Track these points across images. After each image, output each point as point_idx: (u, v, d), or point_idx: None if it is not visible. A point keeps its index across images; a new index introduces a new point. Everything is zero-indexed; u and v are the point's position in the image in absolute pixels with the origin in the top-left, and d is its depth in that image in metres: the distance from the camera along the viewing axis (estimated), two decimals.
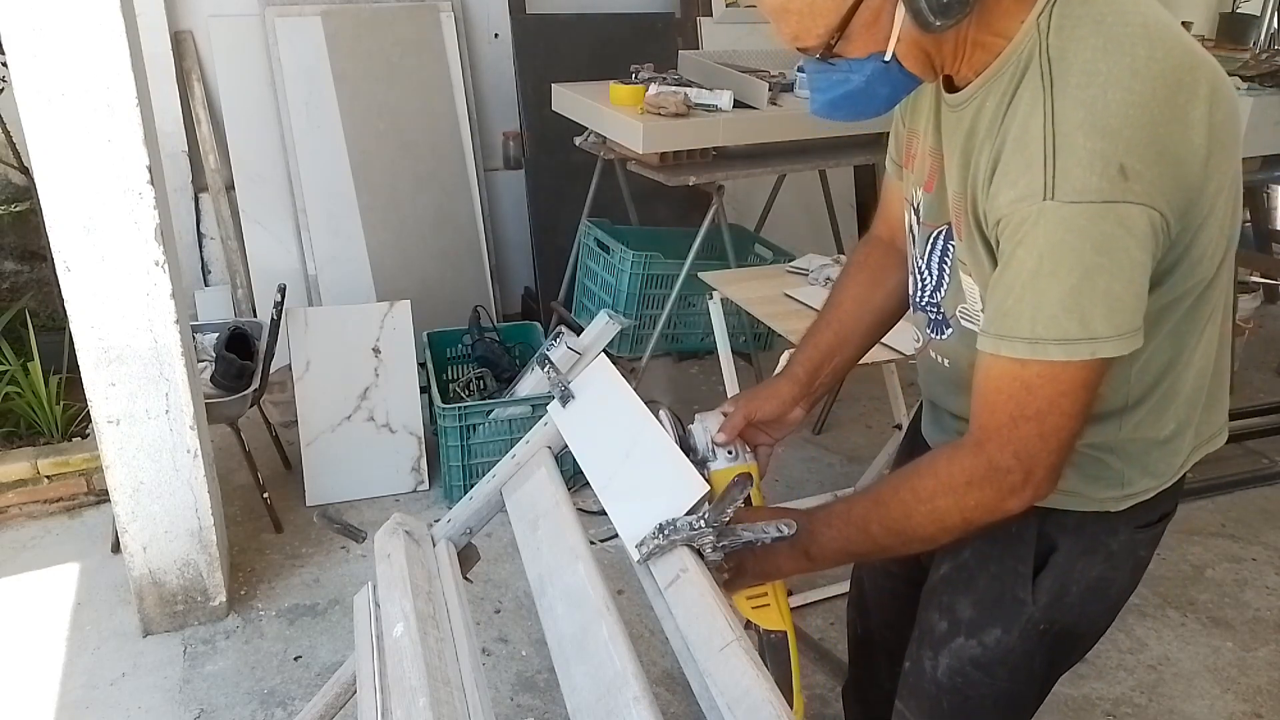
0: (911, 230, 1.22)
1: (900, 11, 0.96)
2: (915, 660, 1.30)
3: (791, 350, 2.27)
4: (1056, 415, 0.98)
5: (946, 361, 1.21)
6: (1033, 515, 1.14)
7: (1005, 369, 0.98)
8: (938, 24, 0.95)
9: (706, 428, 1.29)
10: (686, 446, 1.26)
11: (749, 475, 1.18)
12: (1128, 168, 0.90)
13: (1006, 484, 1.01)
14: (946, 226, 1.12)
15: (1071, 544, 1.17)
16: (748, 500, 1.23)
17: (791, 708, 1.12)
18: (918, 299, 1.23)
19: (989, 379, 1.01)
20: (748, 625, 1.19)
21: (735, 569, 1.18)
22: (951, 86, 1.08)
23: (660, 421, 1.25)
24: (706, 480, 1.23)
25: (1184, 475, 1.18)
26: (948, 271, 1.14)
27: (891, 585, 1.49)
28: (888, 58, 1.00)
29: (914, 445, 1.39)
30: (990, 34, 1.00)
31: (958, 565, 1.25)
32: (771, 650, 1.18)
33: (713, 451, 1.27)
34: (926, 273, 1.19)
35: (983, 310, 1.08)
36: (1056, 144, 0.92)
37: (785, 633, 1.18)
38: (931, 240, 1.16)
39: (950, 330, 1.17)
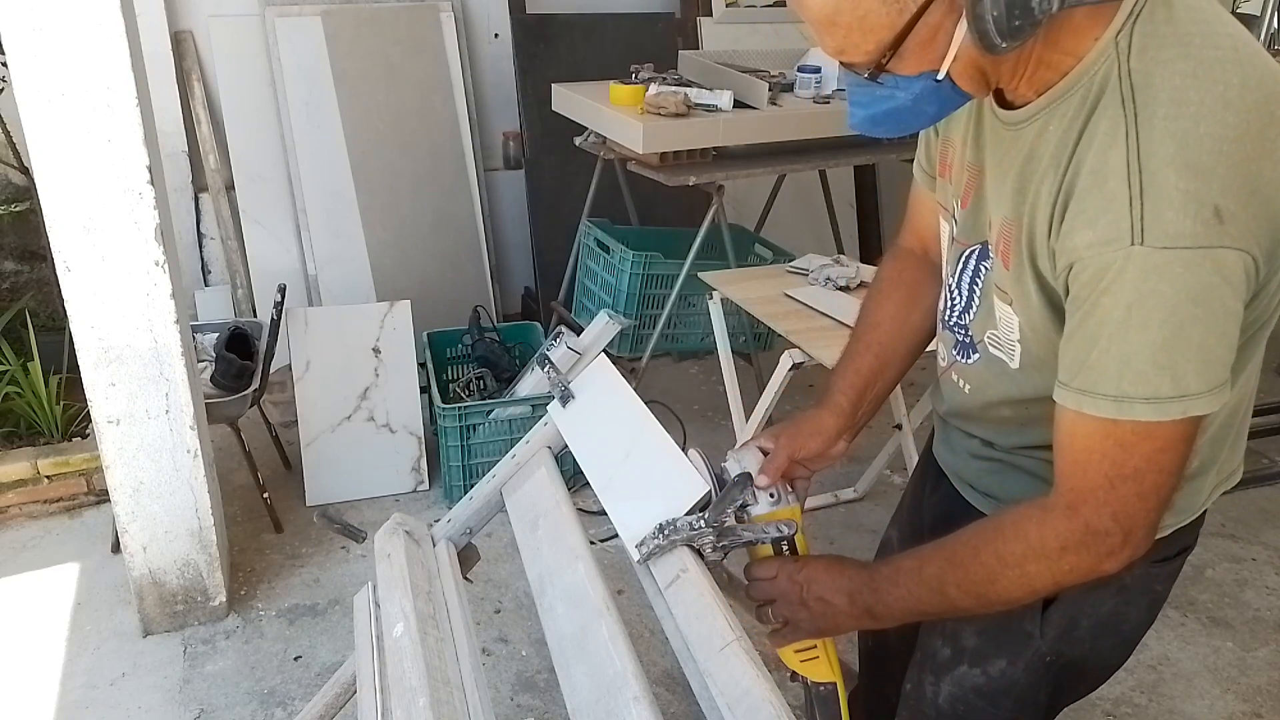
0: (951, 241, 1.15)
1: (960, 29, 0.88)
2: (916, 684, 1.27)
3: (791, 350, 2.28)
4: (1155, 473, 0.92)
5: (968, 388, 1.16)
6: None
7: (1094, 427, 0.91)
8: (1004, 46, 0.86)
9: (744, 466, 1.20)
10: (721, 488, 1.16)
11: (748, 475, 1.16)
12: (1223, 210, 0.83)
13: (1104, 547, 0.95)
14: (979, 246, 1.07)
15: None
16: (793, 548, 1.17)
17: None
18: (946, 318, 1.17)
19: (1077, 437, 0.94)
20: (794, 677, 1.16)
21: (787, 623, 1.13)
22: (1003, 99, 1.01)
23: (691, 462, 1.18)
24: (747, 520, 1.17)
25: (1204, 512, 1.14)
26: (978, 294, 1.08)
27: None
28: (941, 76, 0.92)
29: (926, 465, 1.36)
30: (1059, 52, 0.92)
31: None
32: (820, 703, 1.14)
33: (753, 494, 1.17)
34: (956, 292, 1.13)
35: (1019, 341, 1.03)
36: (1144, 181, 0.84)
37: (835, 684, 1.14)
38: (963, 259, 1.10)
39: (977, 356, 1.12)
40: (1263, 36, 4.57)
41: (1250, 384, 1.05)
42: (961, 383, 1.17)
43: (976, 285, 1.09)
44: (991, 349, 1.09)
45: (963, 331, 1.14)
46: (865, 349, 1.29)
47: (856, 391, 1.26)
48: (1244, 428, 1.12)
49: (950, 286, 1.15)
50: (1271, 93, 0.87)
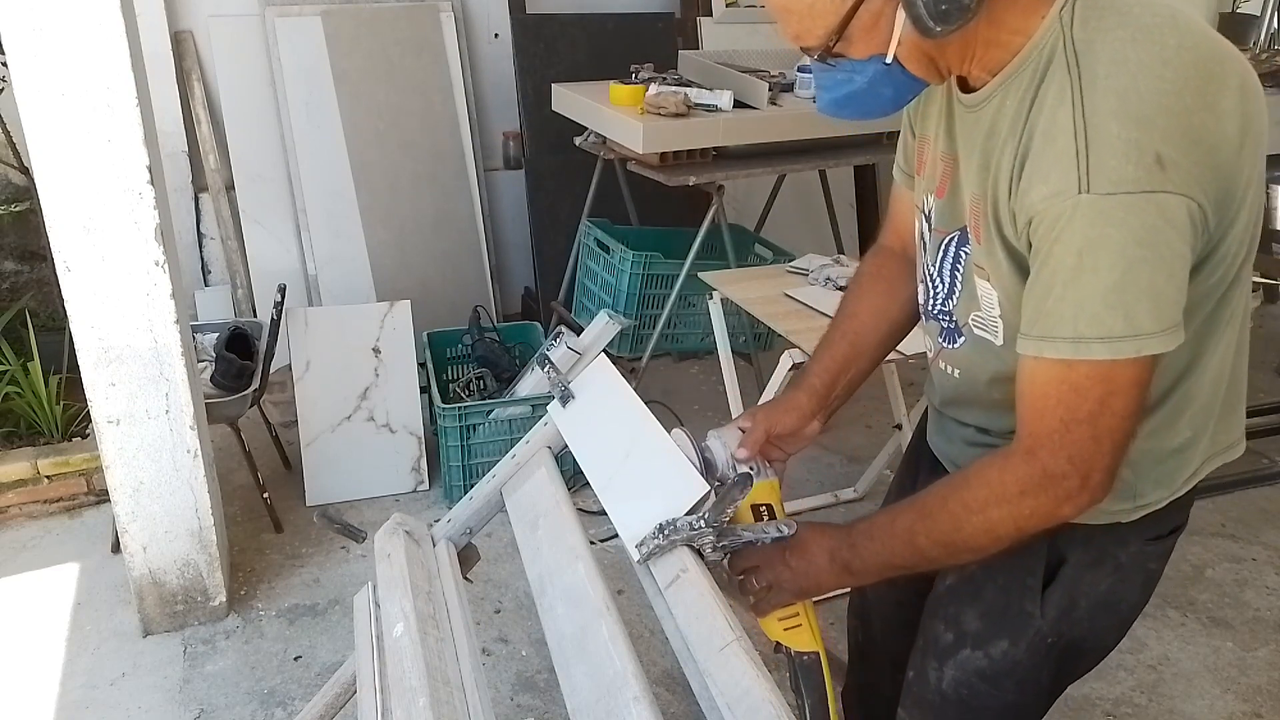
0: (923, 238, 1.19)
1: (900, 16, 0.95)
2: (919, 670, 1.28)
3: (791, 350, 2.28)
4: (1109, 416, 0.95)
5: (957, 372, 1.18)
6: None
7: (1051, 372, 0.95)
8: (938, 30, 0.93)
9: (725, 444, 1.25)
10: (705, 465, 1.22)
11: (749, 476, 1.17)
12: (1164, 157, 0.88)
13: (1062, 490, 0.98)
14: (959, 232, 1.10)
15: (1080, 556, 1.15)
16: (773, 517, 1.21)
17: None
18: (929, 307, 1.20)
19: (1035, 384, 0.98)
20: (778, 648, 1.17)
21: (769, 586, 1.15)
22: (966, 86, 1.06)
23: (676, 442, 1.21)
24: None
25: (1195, 486, 1.15)
26: (960, 278, 1.12)
27: (896, 595, 1.45)
28: (888, 60, 0.99)
29: (918, 453, 1.37)
30: (1007, 32, 0.98)
31: (964, 577, 1.23)
32: (804, 672, 1.15)
33: (733, 468, 1.23)
34: (938, 280, 1.16)
35: (1000, 316, 1.06)
36: (1089, 135, 0.89)
37: (818, 654, 1.15)
38: (943, 247, 1.13)
39: (962, 339, 1.15)
40: (1263, 36, 4.57)
41: (1229, 354, 1.08)
42: (950, 369, 1.20)
43: (958, 271, 1.12)
44: (976, 330, 1.12)
45: (947, 318, 1.17)
46: (841, 337, 1.34)
47: (831, 375, 1.32)
48: (1238, 401, 1.15)
49: (931, 276, 1.18)
50: (1208, 53, 0.93)
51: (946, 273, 1.14)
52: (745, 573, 1.17)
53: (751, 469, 1.22)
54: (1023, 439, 1.00)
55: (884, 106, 1.06)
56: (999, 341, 1.08)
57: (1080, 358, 0.93)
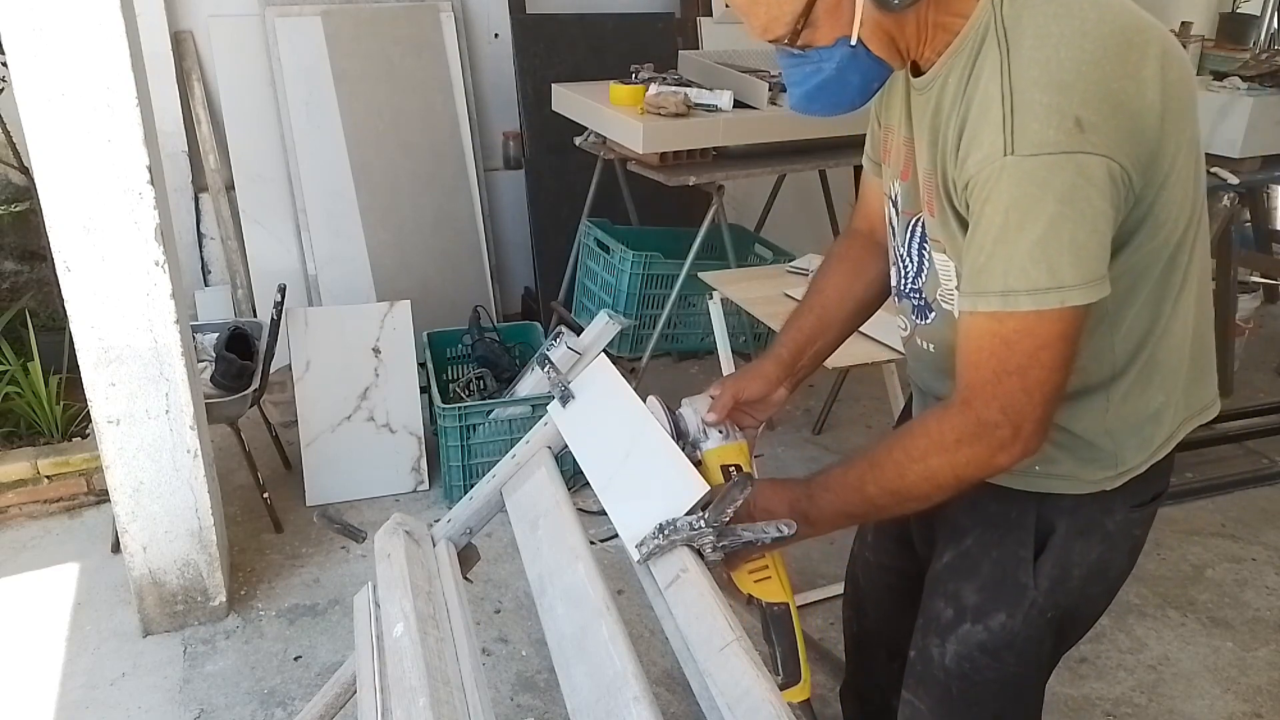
0: (891, 222, 1.25)
1: None
2: (922, 649, 1.31)
3: None
4: (1038, 369, 1.00)
5: (931, 346, 1.22)
6: (1031, 500, 1.18)
7: (984, 326, 1.01)
8: (896, 2, 1.00)
9: (696, 409, 1.31)
10: (677, 430, 1.28)
11: (750, 476, 1.18)
12: (1083, 120, 0.93)
13: (996, 439, 1.03)
14: (924, 211, 1.15)
15: (1069, 525, 1.19)
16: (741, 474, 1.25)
17: (799, 679, 1.15)
18: (901, 287, 1.25)
19: (969, 338, 1.03)
20: (750, 600, 1.20)
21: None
22: (918, 72, 1.12)
23: (650, 409, 1.27)
24: (699, 461, 1.26)
25: (1174, 451, 1.20)
26: (927, 256, 1.17)
27: (887, 580, 1.51)
28: (853, 41, 1.04)
29: None
30: (949, 15, 1.04)
31: (960, 553, 1.26)
32: (775, 622, 1.18)
33: (704, 432, 1.29)
34: (908, 259, 1.21)
35: (957, 288, 1.10)
36: (1015, 102, 0.95)
37: (787, 604, 1.19)
38: (911, 227, 1.19)
39: (933, 314, 1.19)
40: (1263, 36, 4.57)
41: (1189, 319, 1.13)
42: (925, 344, 1.24)
43: (925, 249, 1.17)
44: (944, 305, 1.16)
45: (917, 295, 1.21)
46: (808, 311, 1.41)
47: (797, 346, 1.39)
48: (1207, 364, 1.20)
49: (902, 257, 1.22)
50: (1127, 24, 0.99)
51: (915, 252, 1.19)
52: None
53: (721, 431, 1.29)
54: (960, 390, 1.05)
55: (852, 96, 1.10)
56: (958, 313, 1.12)
57: (1009, 310, 0.98)
